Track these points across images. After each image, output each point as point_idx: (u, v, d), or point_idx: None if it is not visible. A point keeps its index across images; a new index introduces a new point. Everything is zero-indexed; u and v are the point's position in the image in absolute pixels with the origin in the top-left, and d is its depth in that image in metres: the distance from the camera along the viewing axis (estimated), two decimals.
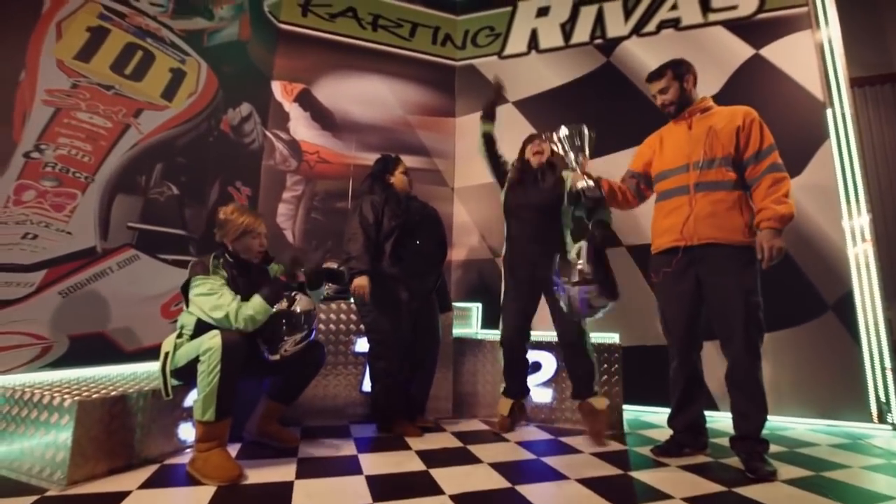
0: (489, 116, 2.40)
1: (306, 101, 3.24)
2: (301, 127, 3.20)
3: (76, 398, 1.45)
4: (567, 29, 3.47)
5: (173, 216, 2.37)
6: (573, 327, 2.11)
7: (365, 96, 3.40)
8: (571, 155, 1.93)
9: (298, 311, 1.89)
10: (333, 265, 2.64)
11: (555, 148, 2.03)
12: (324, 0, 3.42)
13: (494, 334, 3.05)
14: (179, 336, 1.74)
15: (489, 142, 2.41)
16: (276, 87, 3.17)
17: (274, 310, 1.80)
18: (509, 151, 2.53)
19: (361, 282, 2.11)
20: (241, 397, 2.01)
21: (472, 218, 3.45)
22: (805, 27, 2.94)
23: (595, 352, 2.22)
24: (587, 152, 1.93)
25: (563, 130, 1.94)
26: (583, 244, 1.87)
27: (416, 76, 3.55)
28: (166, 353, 1.70)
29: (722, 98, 3.05)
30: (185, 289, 1.70)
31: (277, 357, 1.79)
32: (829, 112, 2.79)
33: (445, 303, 2.50)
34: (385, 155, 2.42)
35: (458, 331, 3.04)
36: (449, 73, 3.64)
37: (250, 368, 1.84)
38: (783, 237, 1.71)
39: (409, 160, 3.39)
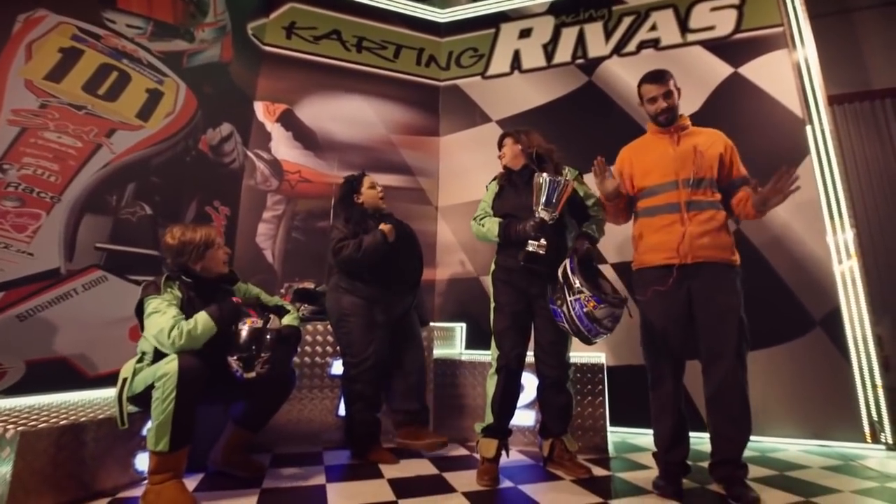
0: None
1: (288, 121, 3.24)
2: (283, 147, 3.19)
3: (19, 429, 1.37)
4: (549, 50, 3.51)
5: (145, 236, 2.32)
6: (557, 358, 1.95)
7: (348, 116, 3.40)
8: (542, 204, 1.80)
9: (270, 329, 1.84)
10: (309, 286, 2.60)
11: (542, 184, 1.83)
12: (308, 23, 3.46)
13: (478, 354, 2.98)
14: (140, 361, 1.67)
15: None
16: (259, 108, 3.18)
17: (247, 328, 1.75)
18: (495, 170, 2.35)
19: (385, 227, 2.13)
20: (207, 424, 1.93)
21: (457, 237, 3.42)
22: (782, 46, 2.98)
23: (574, 383, 2.08)
24: (559, 206, 1.81)
25: (544, 177, 1.79)
26: (565, 262, 1.79)
27: (400, 96, 3.57)
28: (124, 380, 1.63)
29: (703, 115, 3.09)
30: (140, 312, 1.64)
31: (252, 375, 1.71)
32: (808, 129, 2.80)
33: (423, 317, 2.44)
34: (348, 176, 2.35)
35: (441, 351, 2.96)
36: (433, 93, 3.66)
37: (216, 392, 1.77)
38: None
39: (392, 179, 3.40)
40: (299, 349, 2.37)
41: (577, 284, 1.69)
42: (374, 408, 2.12)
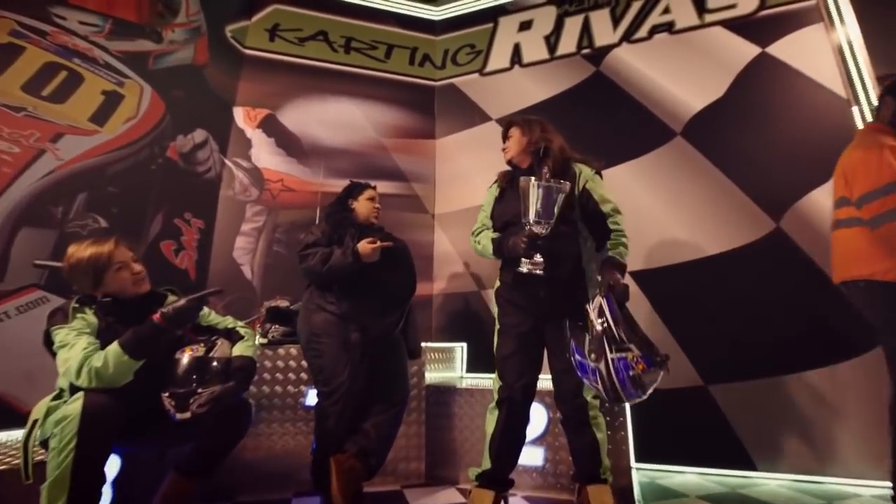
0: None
1: (271, 126, 3.01)
2: (264, 153, 2.95)
3: None
4: (552, 41, 3.22)
5: None
6: (573, 389, 1.59)
7: (335, 120, 3.16)
8: (533, 215, 1.46)
9: (216, 358, 1.55)
10: (285, 303, 2.31)
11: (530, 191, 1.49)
12: (293, 24, 3.26)
13: (480, 379, 2.63)
14: (57, 398, 1.39)
15: None
16: (238, 113, 2.96)
17: (189, 359, 1.47)
18: (496, 173, 2.00)
19: (365, 248, 1.80)
20: (150, 473, 1.64)
21: (456, 247, 3.10)
22: (816, 20, 2.62)
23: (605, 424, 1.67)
24: (554, 216, 1.47)
25: (532, 182, 1.44)
26: (600, 301, 1.42)
27: (392, 98, 3.32)
28: (34, 421, 1.35)
29: (729, 102, 2.74)
30: (49, 344, 1.36)
31: (187, 415, 1.41)
32: (855, 109, 2.41)
33: (412, 346, 2.10)
34: (354, 181, 2.13)
35: (438, 375, 2.63)
36: (428, 94, 3.40)
37: (151, 435, 1.48)
38: None
39: (384, 186, 3.11)
40: (268, 377, 2.08)
41: (624, 338, 1.34)
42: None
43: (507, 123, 1.85)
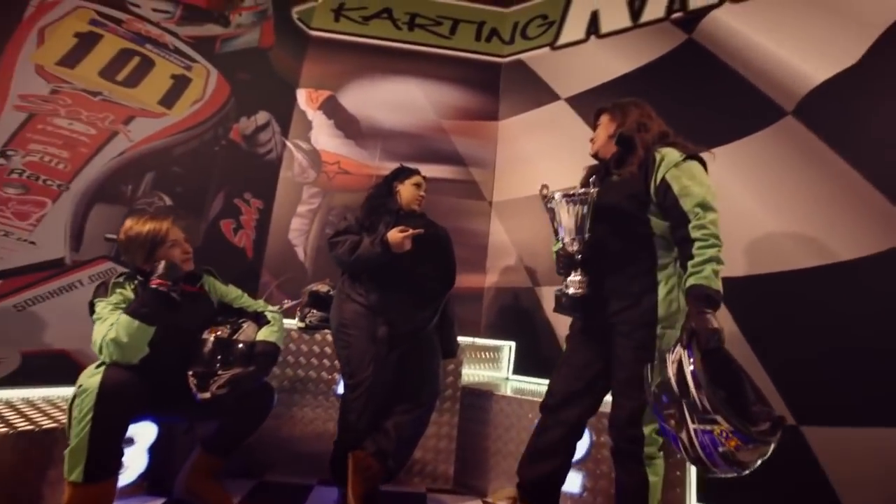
0: None
1: (331, 108, 3.01)
2: (323, 135, 2.97)
3: None
4: (636, 5, 2.81)
5: None
6: (626, 415, 1.32)
7: (395, 101, 3.08)
8: (564, 234, 1.34)
9: (240, 341, 1.56)
10: (325, 288, 2.30)
11: (556, 207, 1.36)
12: (358, 3, 3.21)
13: (528, 383, 2.44)
14: (99, 366, 1.49)
15: None
16: (301, 95, 3.00)
17: (214, 340, 1.50)
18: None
19: (395, 236, 1.66)
20: (177, 444, 1.73)
21: (511, 237, 2.89)
22: None
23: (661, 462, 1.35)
24: (584, 232, 1.33)
25: (554, 197, 1.34)
26: (679, 353, 1.13)
27: (455, 76, 3.15)
28: (79, 387, 1.45)
29: (864, 71, 2.16)
30: (92, 314, 1.44)
31: (207, 395, 1.45)
32: None
33: (449, 345, 1.97)
34: (404, 165, 2.03)
35: (482, 373, 2.49)
36: (493, 71, 3.18)
37: (180, 409, 1.53)
38: None
39: (440, 170, 2.99)
40: (304, 361, 2.09)
41: (707, 405, 1.04)
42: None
43: (597, 111, 1.58)
